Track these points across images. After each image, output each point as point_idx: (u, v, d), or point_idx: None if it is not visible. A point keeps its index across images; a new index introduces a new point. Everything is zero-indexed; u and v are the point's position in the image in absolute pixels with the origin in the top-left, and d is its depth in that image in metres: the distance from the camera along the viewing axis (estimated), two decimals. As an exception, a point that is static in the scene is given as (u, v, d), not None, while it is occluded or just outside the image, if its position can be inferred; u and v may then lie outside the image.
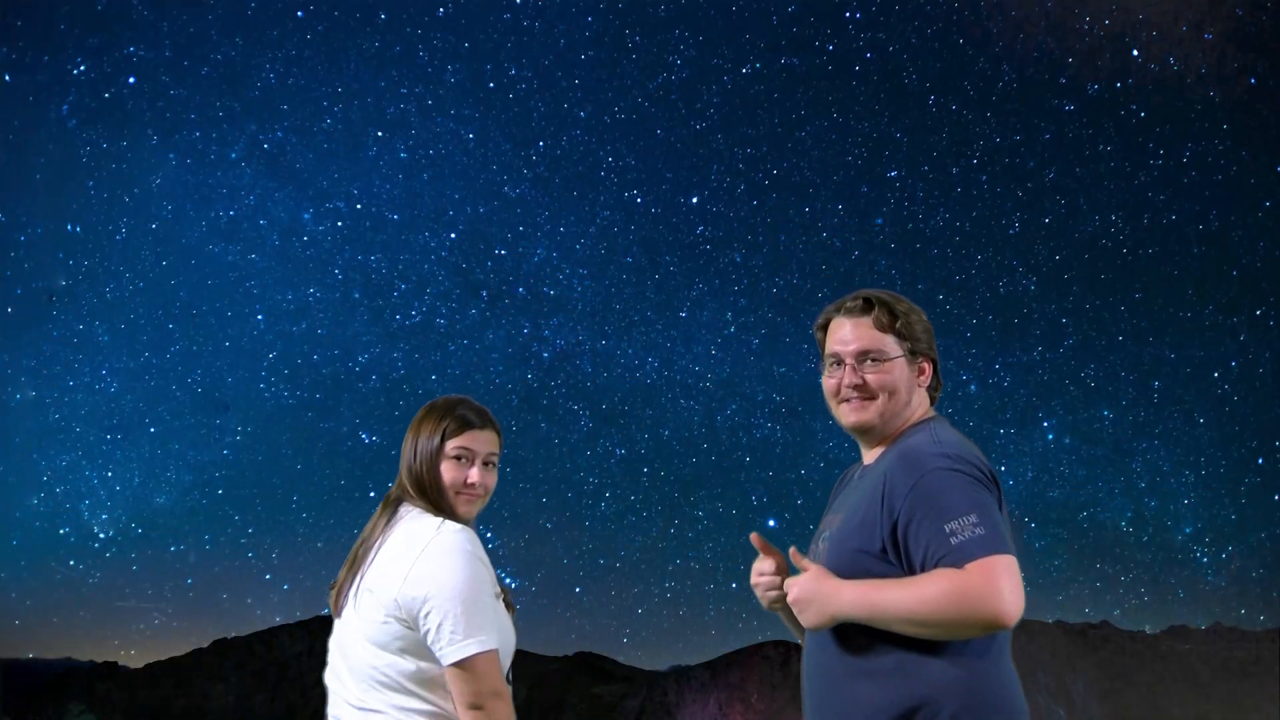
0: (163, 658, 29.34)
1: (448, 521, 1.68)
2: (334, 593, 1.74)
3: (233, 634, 29.85)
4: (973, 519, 1.46)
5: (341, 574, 1.74)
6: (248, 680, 28.63)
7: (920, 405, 1.76)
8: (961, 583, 1.42)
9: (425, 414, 1.82)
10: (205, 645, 29.51)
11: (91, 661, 29.05)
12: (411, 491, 1.77)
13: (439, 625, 1.55)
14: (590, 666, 33.08)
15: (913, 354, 1.73)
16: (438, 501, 1.75)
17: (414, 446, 1.80)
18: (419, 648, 1.58)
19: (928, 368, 1.77)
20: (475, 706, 1.54)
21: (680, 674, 30.58)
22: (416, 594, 1.57)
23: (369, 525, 1.76)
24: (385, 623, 1.59)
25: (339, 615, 1.72)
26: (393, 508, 1.76)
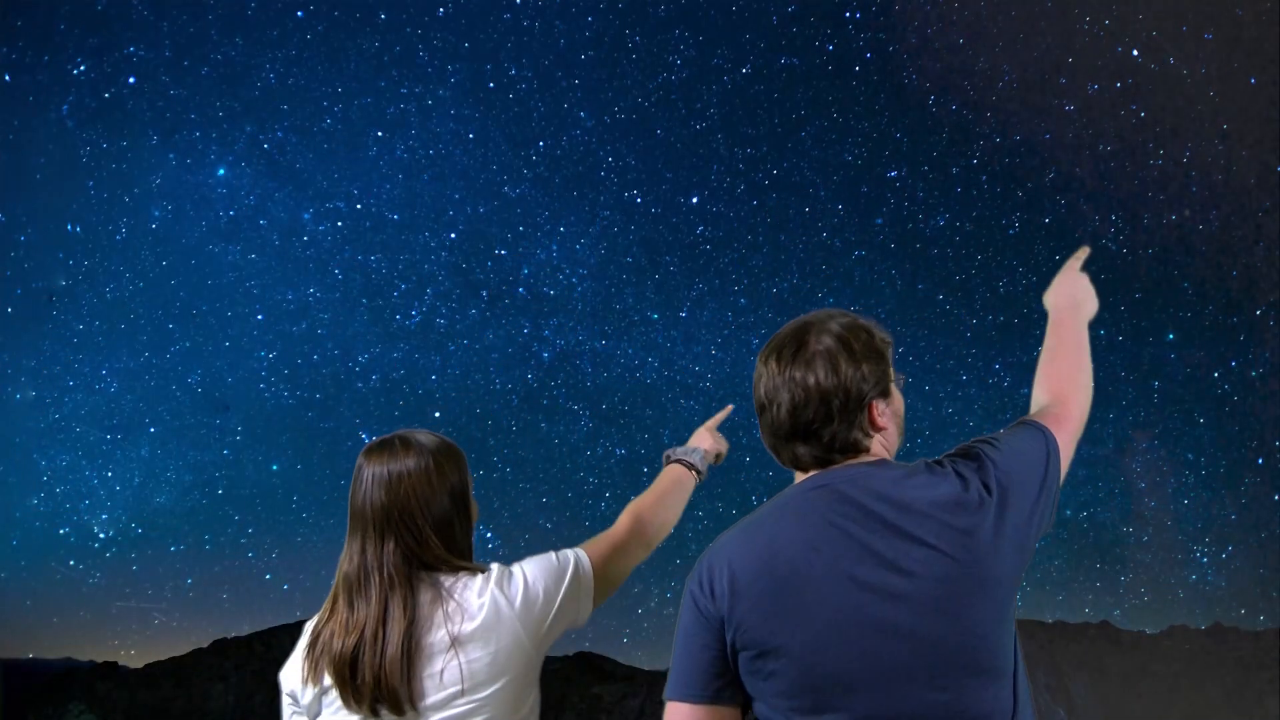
0: (163, 658, 29.34)
1: (492, 568, 1.48)
2: (371, 696, 1.39)
3: (233, 634, 29.85)
4: (672, 654, 1.32)
5: (375, 673, 1.39)
6: (248, 680, 28.62)
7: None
8: None
9: (448, 454, 1.54)
10: (205, 645, 29.55)
11: (91, 661, 29.05)
12: (441, 553, 1.47)
13: (569, 575, 1.51)
14: (590, 666, 33.12)
15: None
16: (466, 551, 1.51)
17: (448, 496, 1.51)
18: (533, 684, 1.48)
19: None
20: (629, 538, 1.65)
21: (680, 674, 30.52)
22: (525, 602, 1.44)
23: (398, 606, 1.40)
24: (501, 688, 1.41)
25: (390, 712, 1.40)
26: (406, 582, 1.44)
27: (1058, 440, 1.38)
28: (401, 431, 1.56)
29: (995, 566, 1.27)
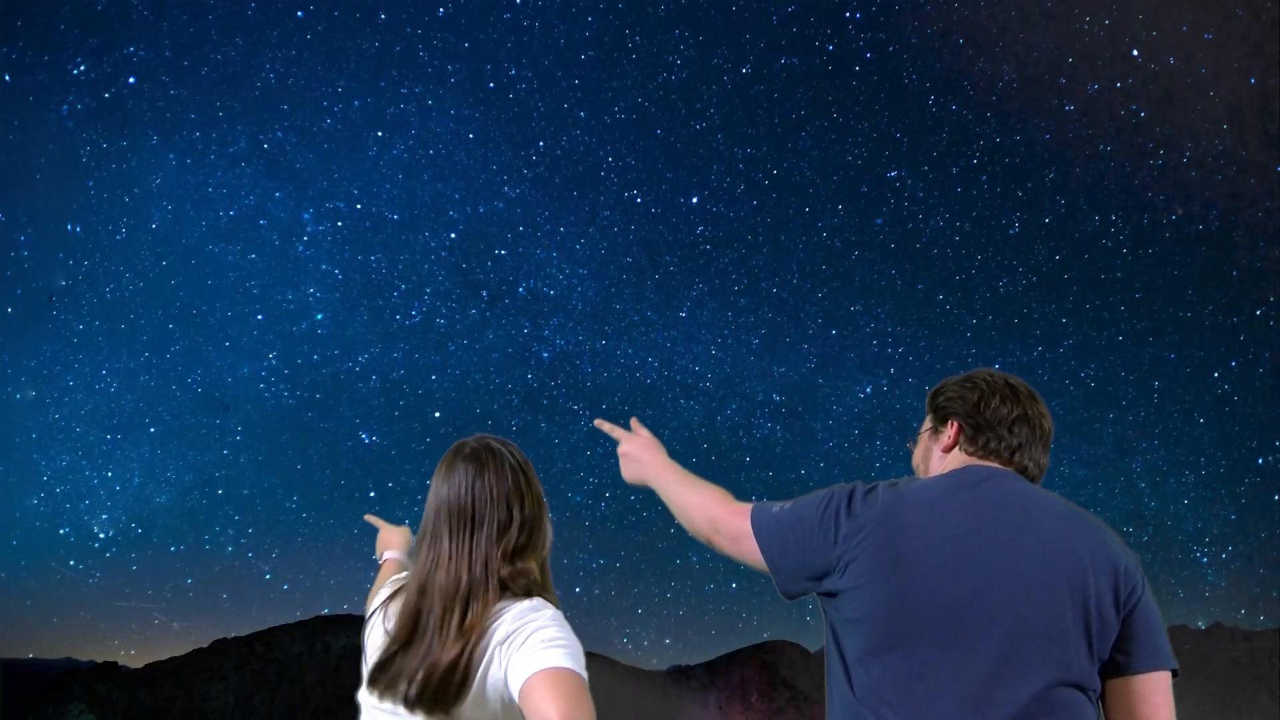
0: (163, 658, 29.36)
1: (545, 600, 1.45)
2: (401, 677, 1.40)
3: (233, 634, 29.88)
4: (784, 504, 1.65)
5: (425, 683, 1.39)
6: (248, 680, 28.64)
7: (949, 467, 1.70)
8: (721, 510, 1.70)
9: (525, 465, 1.54)
10: (205, 645, 29.57)
11: (91, 661, 29.05)
12: (539, 578, 1.46)
13: (533, 645, 1.34)
14: (591, 667, 32.95)
15: (941, 420, 1.73)
16: (541, 566, 1.50)
17: (541, 510, 1.53)
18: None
19: (952, 426, 1.70)
20: None
21: (680, 674, 30.60)
22: (513, 640, 1.37)
23: (474, 629, 1.39)
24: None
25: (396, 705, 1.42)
26: (483, 595, 1.42)
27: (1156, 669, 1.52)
28: (486, 438, 1.55)
29: (1090, 588, 1.48)
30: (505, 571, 1.44)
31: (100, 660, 29.07)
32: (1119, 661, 1.47)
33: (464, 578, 1.43)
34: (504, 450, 1.52)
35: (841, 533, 1.52)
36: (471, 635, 1.39)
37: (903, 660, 1.44)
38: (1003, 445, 1.64)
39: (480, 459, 1.50)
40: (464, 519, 1.46)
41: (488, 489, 1.48)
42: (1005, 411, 1.66)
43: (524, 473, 1.52)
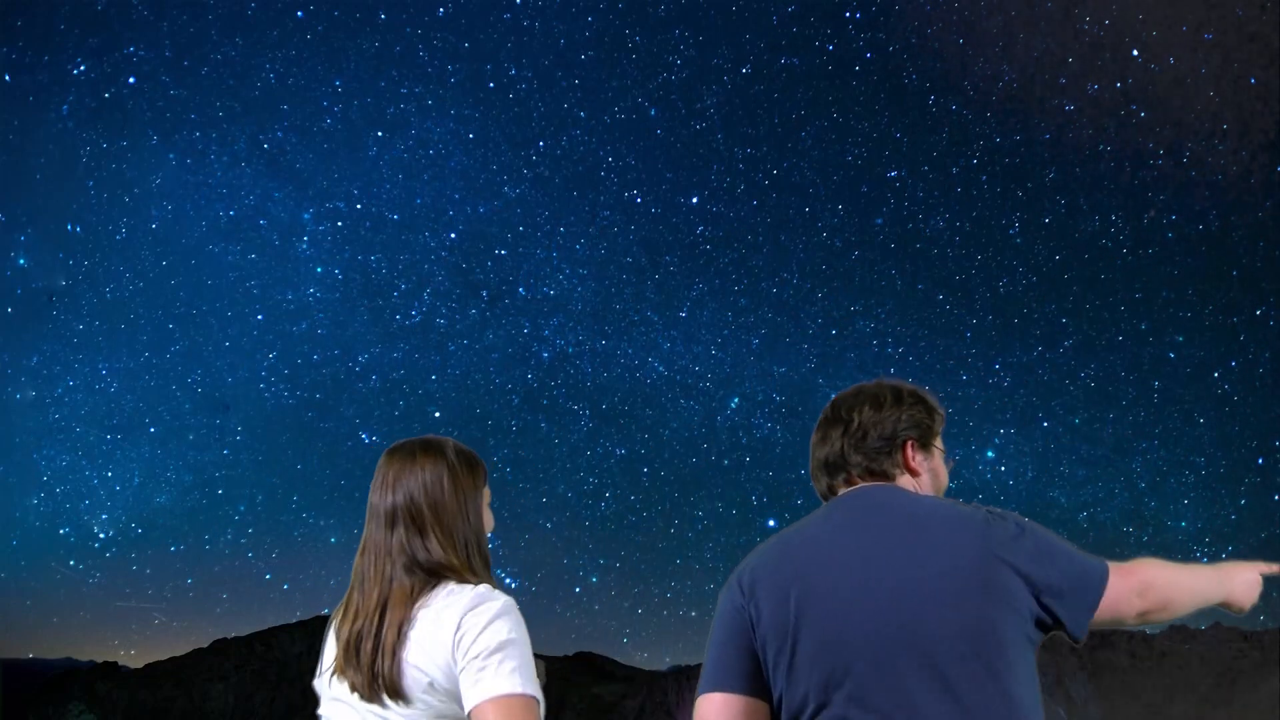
0: (163, 658, 29.34)
1: (491, 588, 1.48)
2: (341, 674, 1.48)
3: (233, 634, 29.87)
4: (706, 655, 1.54)
5: (349, 657, 1.47)
6: (248, 680, 28.61)
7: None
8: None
9: (468, 464, 1.57)
10: (205, 645, 29.56)
11: (91, 661, 29.03)
12: (457, 566, 1.49)
13: (484, 662, 1.38)
14: (590, 666, 33.06)
15: None
16: (481, 567, 1.54)
17: (465, 507, 1.54)
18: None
19: None
20: None
21: (680, 674, 30.57)
22: (465, 640, 1.41)
23: (392, 608, 1.45)
24: (426, 697, 1.44)
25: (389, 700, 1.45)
26: (405, 580, 1.47)
27: (1112, 574, 1.48)
28: (425, 436, 1.61)
29: (995, 575, 1.40)
30: (422, 558, 1.50)
31: (100, 660, 29.06)
32: (1056, 613, 1.42)
33: (357, 564, 1.54)
34: (419, 445, 1.58)
35: (741, 603, 1.48)
36: (370, 620, 1.47)
37: (844, 697, 1.38)
38: (832, 472, 1.59)
39: (389, 455, 1.58)
40: (368, 511, 1.56)
41: (381, 481, 1.55)
42: (817, 437, 1.62)
43: (434, 464, 1.55)
